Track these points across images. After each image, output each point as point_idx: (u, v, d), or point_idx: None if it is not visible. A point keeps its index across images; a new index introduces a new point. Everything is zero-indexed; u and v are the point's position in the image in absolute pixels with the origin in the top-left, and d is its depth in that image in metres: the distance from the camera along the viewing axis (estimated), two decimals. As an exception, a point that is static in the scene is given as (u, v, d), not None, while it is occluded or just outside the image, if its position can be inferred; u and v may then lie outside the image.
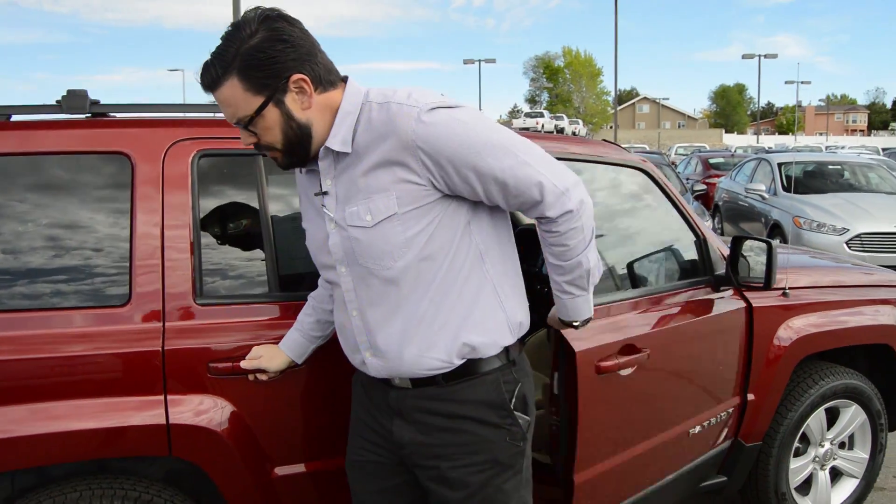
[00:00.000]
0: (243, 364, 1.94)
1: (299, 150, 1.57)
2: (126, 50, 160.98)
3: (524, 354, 1.76)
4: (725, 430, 2.88)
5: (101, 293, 2.03)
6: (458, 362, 1.62)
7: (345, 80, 1.59)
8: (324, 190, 1.63)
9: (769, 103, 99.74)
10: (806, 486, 3.22)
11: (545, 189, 1.55)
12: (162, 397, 2.00)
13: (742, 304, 2.87)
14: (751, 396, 2.89)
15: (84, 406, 1.93)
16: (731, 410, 2.86)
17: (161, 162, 2.10)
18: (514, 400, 1.64)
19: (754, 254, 2.82)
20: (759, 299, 2.90)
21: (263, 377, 1.98)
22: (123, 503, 2.01)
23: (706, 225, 3.01)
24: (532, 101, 75.00)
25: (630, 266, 2.86)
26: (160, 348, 2.00)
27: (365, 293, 1.64)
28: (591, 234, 1.66)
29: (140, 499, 2.04)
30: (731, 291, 2.88)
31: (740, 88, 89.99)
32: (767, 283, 2.72)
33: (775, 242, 2.76)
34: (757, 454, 3.00)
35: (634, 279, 2.83)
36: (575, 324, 1.85)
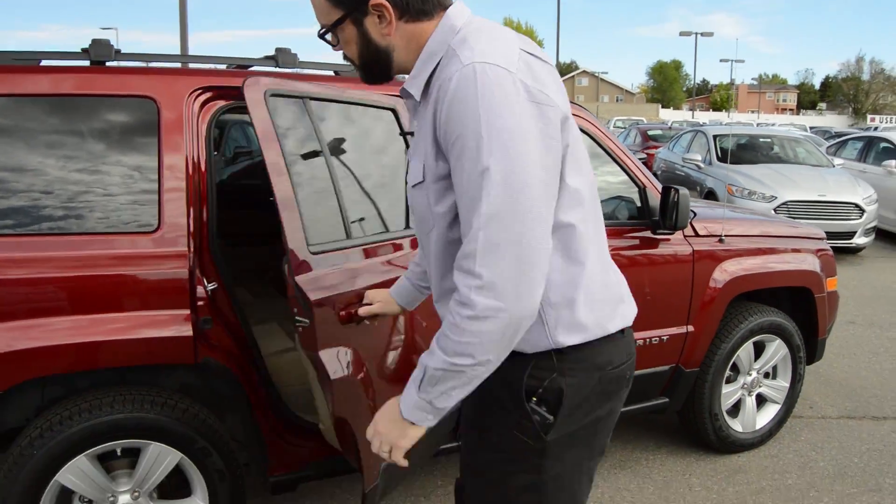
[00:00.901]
0: (361, 311, 1.87)
1: (376, 72, 1.47)
2: (51, 6, 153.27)
3: (599, 351, 1.44)
4: (668, 354, 3.30)
5: (132, 221, 2.26)
6: None
7: (447, 7, 1.41)
8: (409, 130, 1.59)
9: (704, 80, 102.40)
10: (735, 410, 3.68)
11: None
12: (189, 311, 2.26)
13: (689, 248, 3.27)
14: (691, 328, 3.32)
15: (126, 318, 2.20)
16: (672, 336, 3.27)
17: (184, 106, 2.33)
18: (539, 390, 1.40)
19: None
20: (700, 244, 3.31)
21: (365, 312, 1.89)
22: (146, 405, 2.26)
23: (649, 176, 3.37)
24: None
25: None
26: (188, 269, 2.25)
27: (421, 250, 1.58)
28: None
29: (165, 403, 2.30)
30: (680, 236, 3.27)
31: (677, 65, 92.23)
32: (675, 225, 3.09)
33: (683, 190, 3.11)
34: (694, 379, 3.44)
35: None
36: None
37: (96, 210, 2.20)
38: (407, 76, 1.44)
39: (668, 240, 3.25)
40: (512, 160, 1.22)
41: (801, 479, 3.41)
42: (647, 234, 3.21)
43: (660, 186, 3.26)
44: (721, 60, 58.83)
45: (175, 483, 2.40)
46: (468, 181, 1.25)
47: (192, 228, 2.30)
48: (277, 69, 2.62)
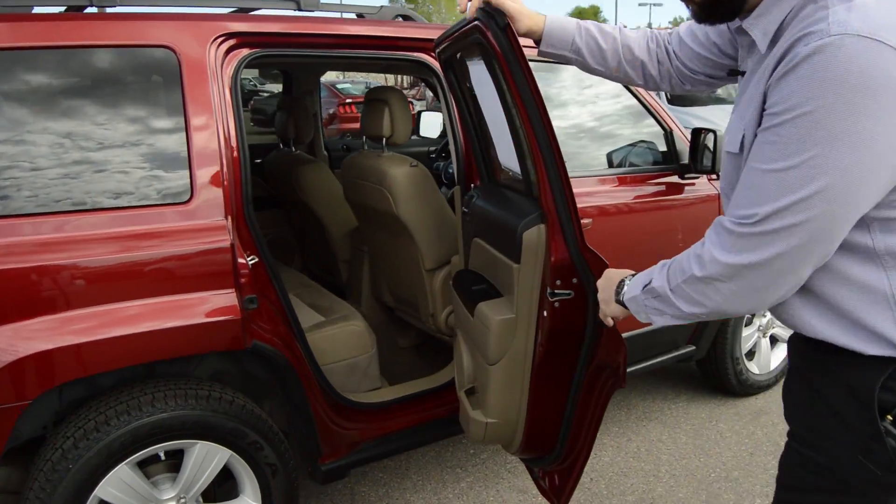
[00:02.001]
0: None
1: (722, 8, 1.17)
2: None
3: None
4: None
5: (160, 192, 1.94)
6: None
7: None
8: (741, 69, 1.27)
9: (624, 25, 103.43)
10: (750, 354, 3.67)
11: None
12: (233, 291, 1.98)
13: (714, 190, 3.17)
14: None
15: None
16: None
17: (207, 55, 2.00)
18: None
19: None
20: (723, 187, 3.23)
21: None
22: (190, 400, 1.99)
23: (675, 119, 3.24)
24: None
25: (609, 154, 3.08)
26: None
27: None
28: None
29: (210, 395, 2.03)
30: (704, 179, 3.16)
31: (595, 10, 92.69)
32: (713, 168, 2.99)
33: (719, 132, 3.01)
34: (719, 325, 3.38)
35: (612, 163, 3.06)
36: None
37: (113, 182, 1.87)
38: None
39: (694, 184, 3.14)
40: (847, 177, 0.98)
41: (823, 417, 3.44)
42: (675, 178, 3.08)
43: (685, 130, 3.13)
44: (640, 5, 59.58)
45: (217, 481, 2.15)
46: (772, 177, 1.02)
47: (228, 195, 2.00)
48: (298, 12, 2.31)
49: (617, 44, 1.63)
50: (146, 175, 1.91)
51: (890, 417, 1.09)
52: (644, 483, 2.92)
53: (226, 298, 1.96)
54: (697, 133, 2.99)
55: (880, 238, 1.07)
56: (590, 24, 1.67)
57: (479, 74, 1.97)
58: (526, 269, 1.76)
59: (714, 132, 2.91)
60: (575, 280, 1.70)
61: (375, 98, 2.67)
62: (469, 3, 1.71)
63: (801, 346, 1.23)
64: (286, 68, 4.02)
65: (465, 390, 2.19)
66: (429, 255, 2.69)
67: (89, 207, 1.85)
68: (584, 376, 1.83)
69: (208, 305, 1.93)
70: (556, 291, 1.70)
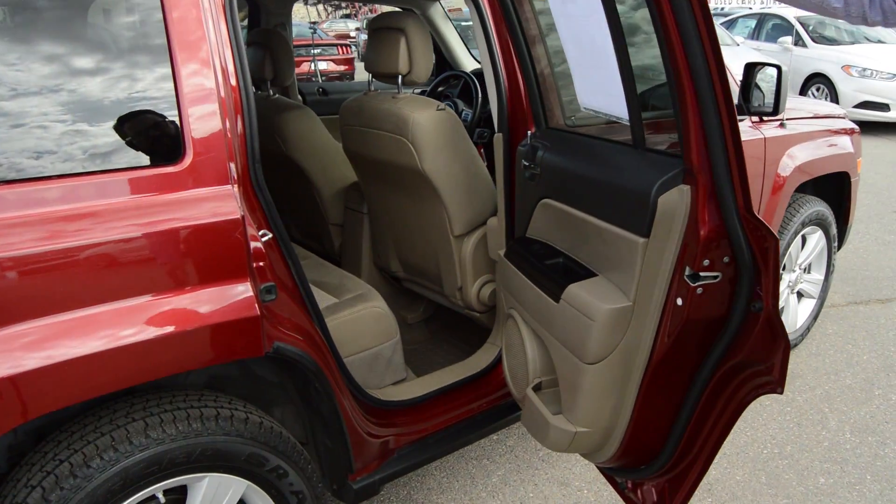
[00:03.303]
0: None
1: None
2: None
3: None
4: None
5: (141, 151, 1.41)
6: None
7: None
8: None
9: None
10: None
11: None
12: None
13: (760, 135, 2.80)
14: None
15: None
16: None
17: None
18: None
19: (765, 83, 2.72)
20: (767, 130, 2.85)
21: None
22: (194, 423, 1.51)
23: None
24: None
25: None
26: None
27: None
28: None
29: (219, 414, 1.55)
30: (748, 123, 2.79)
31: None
32: (776, 109, 2.63)
33: (784, 67, 2.66)
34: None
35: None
36: None
37: (79, 140, 1.34)
38: None
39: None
40: None
41: (857, 378, 3.20)
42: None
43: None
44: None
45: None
46: None
47: (232, 151, 1.49)
48: None
49: None
50: (116, 130, 1.38)
51: None
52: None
53: (238, 291, 1.47)
54: (751, 68, 2.60)
55: None
56: None
57: None
58: (657, 243, 1.33)
59: (778, 67, 2.52)
60: (726, 259, 1.28)
61: (386, 26, 2.14)
62: None
63: None
64: None
65: (533, 386, 1.78)
66: (459, 219, 2.23)
67: (36, 175, 1.31)
68: (712, 375, 1.44)
69: (214, 303, 1.44)
70: (701, 274, 1.28)
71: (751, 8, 18.66)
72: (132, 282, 1.35)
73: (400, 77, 2.14)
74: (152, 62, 1.41)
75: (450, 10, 3.65)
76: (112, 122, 1.39)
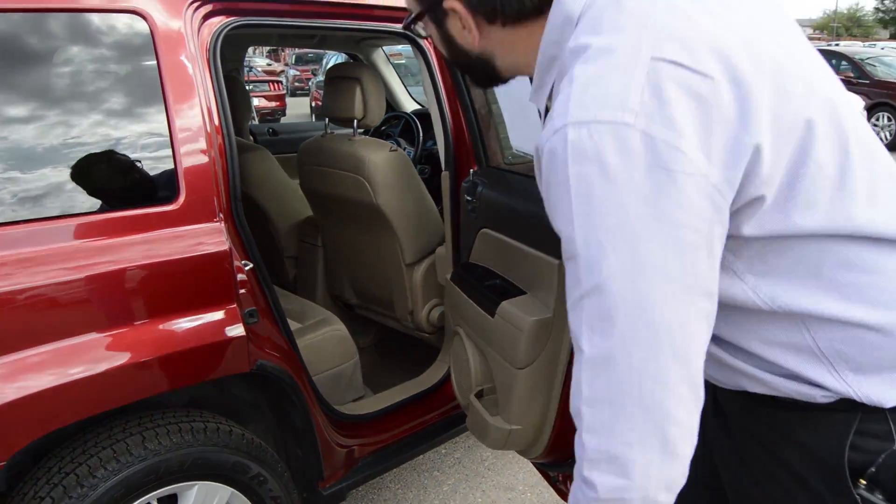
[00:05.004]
0: None
1: (481, 77, 1.11)
2: None
3: None
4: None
5: (140, 192, 1.60)
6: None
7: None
8: None
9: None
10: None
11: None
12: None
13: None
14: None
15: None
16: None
17: (183, 23, 1.67)
18: (870, 468, 0.91)
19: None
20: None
21: None
22: (186, 435, 1.69)
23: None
24: None
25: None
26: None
27: None
28: None
29: (206, 427, 1.73)
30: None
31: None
32: None
33: None
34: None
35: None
36: None
37: (82, 182, 1.52)
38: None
39: None
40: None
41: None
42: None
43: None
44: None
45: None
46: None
47: (218, 191, 1.69)
48: None
49: None
50: (116, 172, 1.57)
51: (865, 481, 0.90)
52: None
53: (227, 315, 1.66)
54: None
55: None
56: None
57: None
58: None
59: None
60: None
61: (343, 76, 2.39)
62: None
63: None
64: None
65: (475, 393, 2.02)
66: (410, 248, 2.47)
67: (62, 213, 1.49)
68: None
69: (207, 326, 1.63)
70: None
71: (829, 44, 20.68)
72: (143, 306, 1.53)
73: (355, 121, 2.39)
74: (150, 115, 1.60)
75: (391, 55, 3.92)
76: (119, 169, 1.58)
